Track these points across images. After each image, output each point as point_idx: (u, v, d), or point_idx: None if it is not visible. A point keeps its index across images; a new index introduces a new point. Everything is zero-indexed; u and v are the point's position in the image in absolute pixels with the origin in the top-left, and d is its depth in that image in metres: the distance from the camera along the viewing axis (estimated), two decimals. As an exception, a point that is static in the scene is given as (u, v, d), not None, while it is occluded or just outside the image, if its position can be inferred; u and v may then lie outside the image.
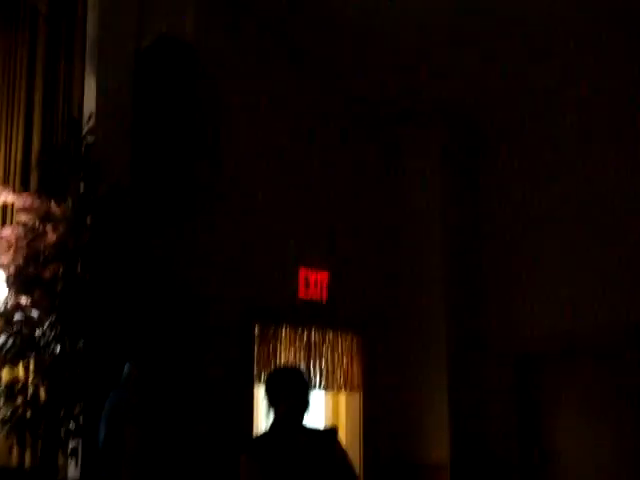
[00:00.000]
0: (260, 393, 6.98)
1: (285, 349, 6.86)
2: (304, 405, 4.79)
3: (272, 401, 4.79)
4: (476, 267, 7.15)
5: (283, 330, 6.88)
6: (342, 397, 7.21)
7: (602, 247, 6.41)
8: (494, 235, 7.12)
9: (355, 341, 7.17)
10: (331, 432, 4.95)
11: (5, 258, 5.59)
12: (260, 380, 6.78)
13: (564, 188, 6.70)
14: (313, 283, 6.98)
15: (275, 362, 6.81)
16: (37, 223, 5.59)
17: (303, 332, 6.96)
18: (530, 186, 6.94)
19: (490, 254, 7.12)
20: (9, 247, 5.62)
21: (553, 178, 6.78)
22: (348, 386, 7.07)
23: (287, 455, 4.63)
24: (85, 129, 5.81)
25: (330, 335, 7.08)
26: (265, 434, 4.78)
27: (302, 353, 6.91)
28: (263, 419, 7.02)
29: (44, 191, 5.81)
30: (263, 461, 4.58)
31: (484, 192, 7.24)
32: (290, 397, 4.73)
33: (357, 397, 7.09)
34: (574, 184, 6.65)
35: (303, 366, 6.82)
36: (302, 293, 6.92)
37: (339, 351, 7.10)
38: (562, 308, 6.57)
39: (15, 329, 5.51)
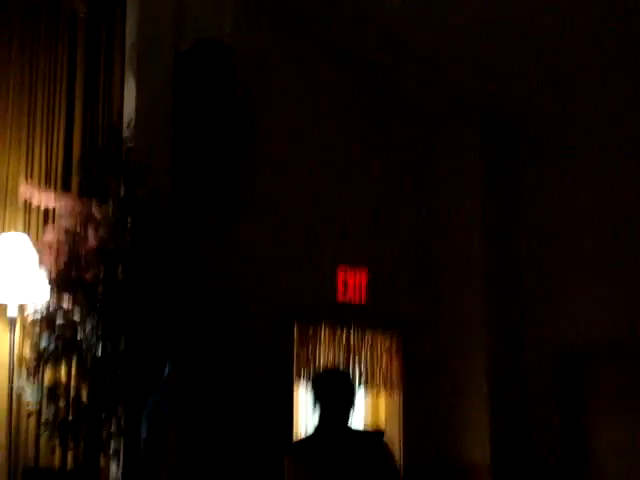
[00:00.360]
0: (300, 393, 7.01)
1: (324, 349, 6.87)
2: (349, 406, 4.81)
3: (317, 402, 4.82)
4: (516, 266, 7.11)
5: (322, 330, 6.89)
6: (382, 398, 7.20)
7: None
8: (533, 234, 7.08)
9: (394, 341, 7.15)
10: (378, 434, 4.96)
11: (47, 261, 5.65)
12: (300, 379, 6.80)
13: (603, 186, 6.64)
14: (352, 284, 6.98)
15: (314, 362, 6.83)
16: (78, 227, 5.64)
17: (342, 332, 6.97)
18: (569, 185, 6.89)
19: (530, 253, 7.08)
20: (51, 251, 5.68)
21: (592, 177, 6.73)
22: (387, 386, 7.06)
23: (332, 456, 4.64)
24: (125, 132, 5.86)
25: (369, 335, 7.07)
26: (310, 436, 4.81)
27: (341, 353, 6.92)
28: (303, 418, 7.10)
29: (85, 194, 5.86)
30: (308, 462, 4.60)
31: (522, 191, 7.20)
32: (335, 398, 4.75)
33: (396, 397, 7.07)
34: (613, 183, 6.59)
35: (343, 367, 6.82)
36: (341, 294, 6.92)
37: (378, 351, 7.09)
38: (603, 307, 6.52)
39: (57, 332, 5.57)
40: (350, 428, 4.89)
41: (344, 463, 4.64)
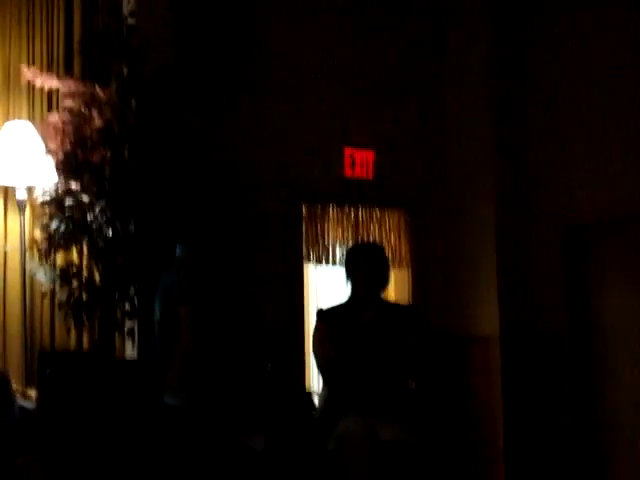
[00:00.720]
0: (309, 271, 7.07)
1: (333, 228, 6.89)
2: (381, 279, 4.87)
3: (349, 274, 4.88)
4: (524, 138, 7.03)
5: (330, 209, 6.90)
6: (391, 273, 7.25)
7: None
8: (542, 105, 6.99)
9: (402, 218, 7.16)
10: (412, 308, 5.05)
11: (53, 144, 5.64)
12: (309, 259, 6.85)
13: (615, 51, 6.52)
14: (359, 162, 6.96)
15: (323, 242, 6.86)
16: (83, 108, 5.61)
17: (350, 211, 6.97)
18: (579, 53, 6.77)
19: (538, 125, 7.00)
20: (56, 133, 5.66)
21: (603, 42, 6.60)
22: (396, 262, 7.10)
23: (360, 326, 4.72)
24: (126, 11, 5.77)
25: (377, 213, 7.07)
26: (342, 305, 4.88)
27: (350, 231, 6.94)
28: (313, 297, 7.18)
29: (88, 76, 5.81)
30: (338, 329, 4.68)
31: (531, 62, 7.08)
32: (366, 271, 4.81)
33: (406, 273, 7.13)
34: (625, 46, 6.47)
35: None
36: (348, 172, 6.90)
37: (387, 228, 7.11)
38: (613, 178, 6.48)
39: (67, 214, 5.60)
40: (383, 300, 4.97)
41: (371, 335, 4.71)
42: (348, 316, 4.80)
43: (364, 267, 4.84)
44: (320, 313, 4.84)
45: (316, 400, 5.08)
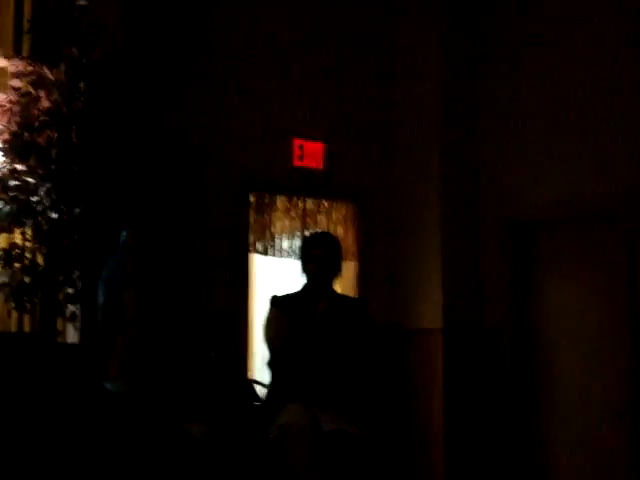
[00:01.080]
0: (255, 262, 7.06)
1: (280, 219, 6.89)
2: (335, 270, 4.87)
3: (305, 264, 4.87)
4: (470, 138, 7.10)
5: (278, 200, 6.90)
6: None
7: (599, 115, 6.37)
8: (489, 102, 7.06)
9: (350, 210, 7.19)
10: (363, 301, 5.04)
11: (-1, 124, 5.57)
12: (255, 249, 6.84)
13: (562, 52, 6.61)
14: (308, 153, 6.95)
15: (270, 232, 6.85)
16: (30, 89, 5.55)
17: (298, 201, 6.98)
18: (528, 47, 6.85)
19: (485, 121, 7.07)
20: (3, 113, 5.59)
21: (552, 39, 6.69)
22: (344, 255, 7.09)
23: (314, 315, 4.71)
24: (77, -10, 5.71)
25: (325, 204, 7.10)
26: (295, 293, 4.87)
27: (298, 222, 6.94)
28: (259, 287, 7.17)
29: (37, 56, 5.73)
30: (291, 317, 4.67)
31: (481, 63, 7.14)
32: (322, 261, 4.80)
33: (353, 266, 7.15)
34: (574, 46, 6.56)
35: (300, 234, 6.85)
36: (297, 162, 6.90)
37: (334, 220, 7.12)
38: (557, 176, 6.57)
39: (11, 195, 5.53)
40: (334, 291, 4.97)
41: (324, 325, 4.71)
42: (302, 305, 4.79)
43: (320, 257, 4.84)
44: (274, 299, 4.83)
45: (260, 389, 5.07)
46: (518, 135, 6.87)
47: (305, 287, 4.88)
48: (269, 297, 4.87)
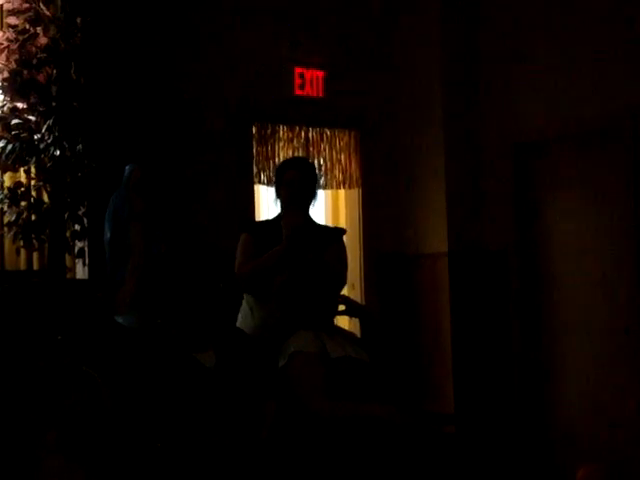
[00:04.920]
0: (260, 193, 7.08)
1: (283, 148, 6.88)
2: (310, 194, 4.84)
3: (279, 190, 4.84)
4: (473, 57, 7.03)
5: (281, 129, 6.89)
6: (341, 194, 7.29)
7: (600, 33, 6.32)
8: (491, 21, 6.99)
9: (353, 138, 7.17)
10: (339, 231, 5.03)
11: (-3, 63, 5.56)
12: (259, 181, 6.85)
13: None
14: (309, 80, 6.92)
15: (273, 162, 6.85)
16: (27, 25, 5.52)
17: (301, 130, 6.97)
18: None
19: (486, 41, 7.00)
20: (1, 51, 5.57)
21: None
22: (347, 183, 7.12)
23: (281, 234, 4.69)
24: None
25: (328, 133, 7.08)
26: (270, 220, 4.86)
27: (300, 151, 6.93)
28: (263, 218, 7.19)
29: (32, -8, 5.69)
30: (261, 241, 4.67)
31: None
32: (293, 184, 4.77)
33: (356, 193, 7.16)
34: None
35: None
36: (298, 91, 6.87)
37: (337, 148, 7.11)
38: (559, 95, 6.53)
39: (13, 134, 5.54)
40: (312, 220, 4.96)
41: (294, 243, 4.70)
42: (275, 231, 4.77)
43: (295, 181, 4.79)
44: (243, 223, 4.80)
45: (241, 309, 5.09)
46: (520, 54, 6.79)
47: (279, 215, 4.84)
48: (241, 221, 4.84)
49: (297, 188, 4.78)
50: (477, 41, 7.05)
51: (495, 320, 6.91)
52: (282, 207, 4.84)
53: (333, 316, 4.65)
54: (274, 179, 4.97)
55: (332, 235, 4.96)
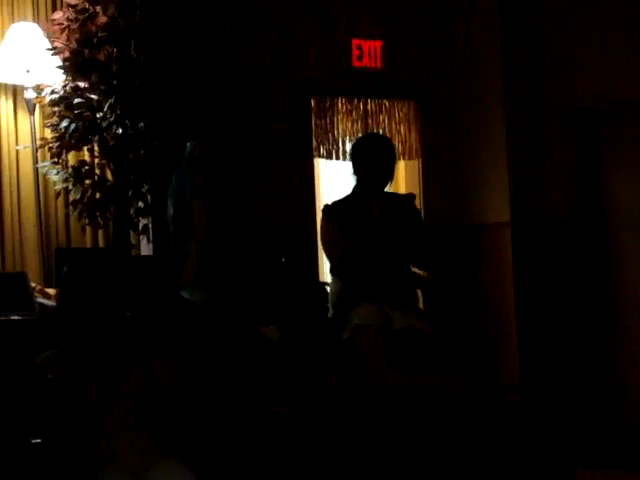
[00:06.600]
0: (320, 166, 7.08)
1: (342, 121, 6.86)
2: (388, 171, 4.85)
3: (358, 166, 4.85)
4: (534, 21, 6.87)
5: (339, 102, 6.87)
6: (401, 165, 7.25)
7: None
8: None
9: (412, 109, 7.12)
10: (410, 196, 5.05)
11: (59, 42, 5.62)
12: (319, 154, 6.85)
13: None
14: (367, 52, 6.88)
15: (333, 135, 6.85)
16: (87, 4, 5.58)
17: (359, 103, 6.93)
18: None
19: (550, 6, 6.87)
20: (62, 32, 5.64)
21: None
22: (407, 154, 7.08)
23: (368, 218, 4.73)
24: None
25: (387, 104, 7.03)
26: (347, 198, 4.87)
27: (360, 124, 6.90)
28: (325, 192, 7.21)
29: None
30: (347, 225, 4.69)
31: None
32: (378, 163, 4.78)
33: (416, 165, 7.13)
34: None
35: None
36: (356, 63, 6.84)
37: (396, 120, 7.06)
38: (622, 60, 6.42)
39: (76, 113, 5.61)
40: (385, 192, 4.97)
41: (379, 224, 4.73)
42: (356, 209, 4.79)
43: (377, 161, 4.81)
44: (327, 210, 4.82)
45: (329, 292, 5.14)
46: (582, 19, 6.67)
47: (356, 190, 4.84)
48: (322, 207, 4.87)
49: (380, 169, 4.80)
50: (538, 5, 6.92)
51: (559, 290, 6.84)
52: (360, 185, 4.84)
53: (401, 288, 4.66)
54: (353, 154, 4.96)
55: (406, 202, 4.97)
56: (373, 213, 4.78)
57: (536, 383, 6.66)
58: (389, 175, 4.88)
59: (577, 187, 6.81)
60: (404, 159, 7.11)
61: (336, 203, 4.88)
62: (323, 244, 4.94)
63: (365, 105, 6.96)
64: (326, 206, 4.87)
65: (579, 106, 6.71)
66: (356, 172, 4.87)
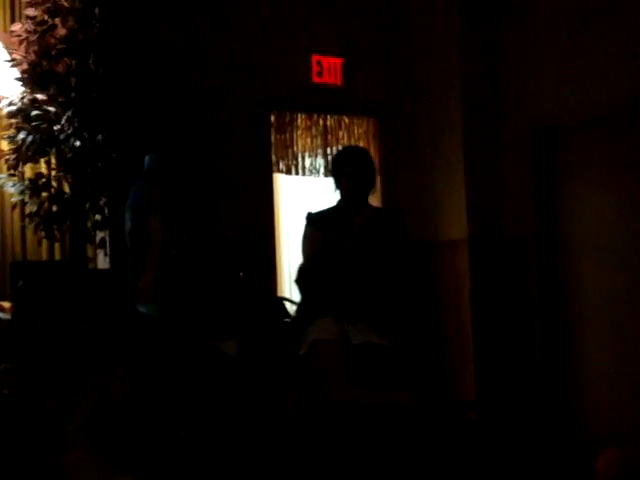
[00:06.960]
0: (279, 180, 7.08)
1: (302, 136, 6.89)
2: (370, 184, 4.86)
3: (339, 179, 4.86)
4: (491, 40, 6.98)
5: (299, 117, 6.89)
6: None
7: (623, 15, 6.28)
8: (513, 8, 6.94)
9: (372, 125, 7.17)
10: (398, 212, 5.07)
11: (17, 54, 5.58)
12: (278, 169, 6.85)
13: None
14: (327, 68, 6.91)
15: (292, 150, 6.86)
16: (46, 17, 5.54)
17: (319, 118, 6.96)
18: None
19: (507, 28, 6.95)
20: (20, 43, 5.60)
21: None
22: (366, 170, 7.10)
23: (349, 229, 4.73)
24: None
25: (346, 120, 7.07)
26: (331, 209, 4.88)
27: (319, 140, 6.94)
28: (284, 204, 7.21)
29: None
30: (326, 231, 4.70)
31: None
32: (357, 175, 4.79)
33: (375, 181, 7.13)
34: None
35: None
36: (316, 77, 6.86)
37: (356, 136, 7.10)
38: (580, 80, 6.49)
39: (33, 125, 5.56)
40: (370, 205, 4.98)
41: (362, 240, 4.74)
42: (337, 221, 4.81)
43: (355, 172, 4.82)
44: (309, 217, 4.82)
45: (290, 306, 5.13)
46: (539, 38, 6.76)
47: (340, 203, 4.88)
48: (305, 214, 4.87)
49: (359, 180, 4.82)
50: (496, 23, 6.98)
51: (516, 307, 6.90)
52: (343, 198, 4.86)
53: (360, 305, 4.65)
54: (333, 167, 4.99)
55: (393, 218, 4.98)
56: (356, 226, 4.78)
57: (492, 400, 6.69)
58: (370, 184, 4.91)
59: (534, 206, 6.86)
60: (363, 175, 7.13)
61: (320, 212, 4.89)
62: (302, 247, 4.94)
63: (325, 121, 6.99)
64: (309, 213, 4.87)
65: (536, 126, 6.79)
66: (338, 186, 4.89)
